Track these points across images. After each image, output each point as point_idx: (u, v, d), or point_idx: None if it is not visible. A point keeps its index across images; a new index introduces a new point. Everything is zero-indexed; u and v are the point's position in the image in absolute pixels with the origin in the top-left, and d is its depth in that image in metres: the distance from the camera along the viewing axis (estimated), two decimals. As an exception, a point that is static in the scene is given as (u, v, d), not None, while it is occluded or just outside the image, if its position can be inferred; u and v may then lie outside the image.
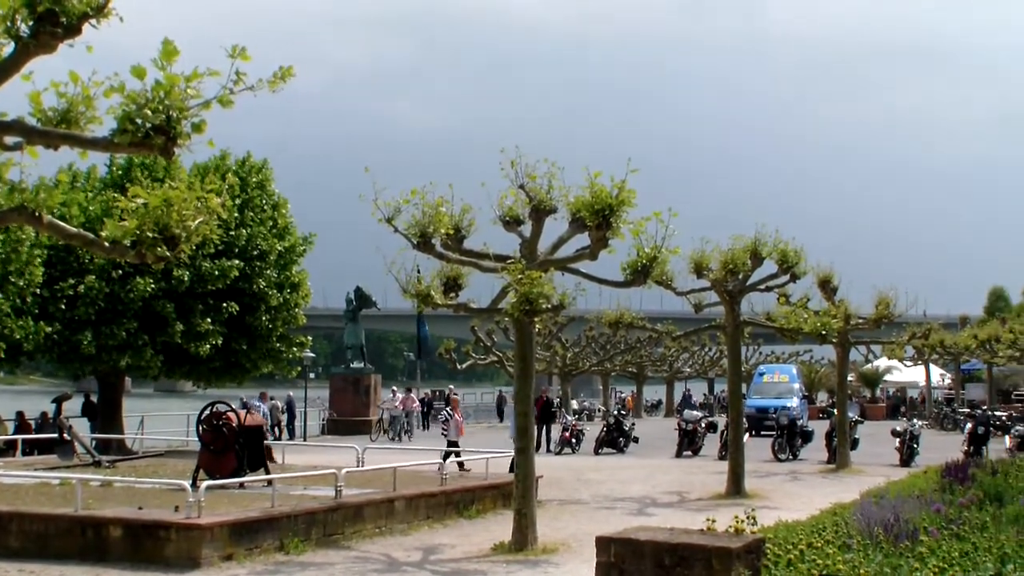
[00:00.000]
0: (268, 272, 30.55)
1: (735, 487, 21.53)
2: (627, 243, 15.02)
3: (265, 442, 19.44)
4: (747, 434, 26.29)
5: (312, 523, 14.85)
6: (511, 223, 15.80)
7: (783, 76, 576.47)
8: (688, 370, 69.17)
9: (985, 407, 40.73)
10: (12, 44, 7.46)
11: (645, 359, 60.71)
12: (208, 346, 29.05)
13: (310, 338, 36.23)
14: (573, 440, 33.01)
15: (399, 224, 15.40)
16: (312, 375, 44.74)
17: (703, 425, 32.56)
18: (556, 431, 34.61)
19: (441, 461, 19.44)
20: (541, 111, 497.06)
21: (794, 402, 40.61)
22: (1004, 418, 38.35)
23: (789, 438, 30.35)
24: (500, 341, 47.09)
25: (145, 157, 26.47)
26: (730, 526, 8.93)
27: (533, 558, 14.10)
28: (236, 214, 29.01)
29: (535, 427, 20.38)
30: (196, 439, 18.57)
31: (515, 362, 16.20)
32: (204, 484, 14.38)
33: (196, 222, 8.44)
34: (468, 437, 27.68)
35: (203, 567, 12.90)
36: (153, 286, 27.73)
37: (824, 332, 24.24)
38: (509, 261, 15.19)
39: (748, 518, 9.32)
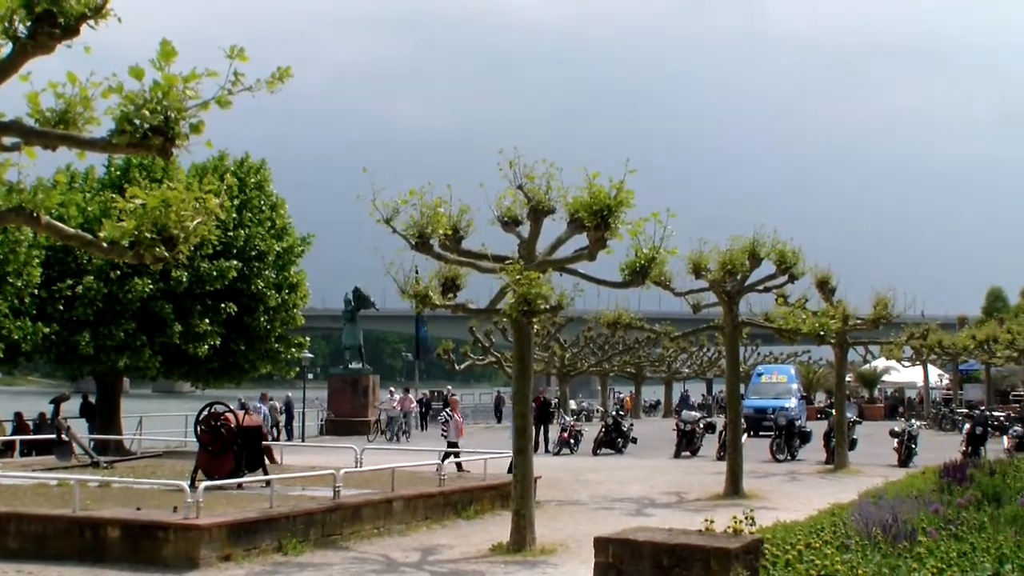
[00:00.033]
0: (266, 273, 30.55)
1: (733, 488, 21.54)
2: (625, 244, 15.07)
3: (266, 443, 19.46)
4: (745, 435, 26.32)
5: (310, 524, 14.85)
6: (509, 224, 15.81)
7: (783, 76, 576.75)
8: (686, 371, 69.18)
9: (983, 407, 40.76)
10: (10, 45, 7.45)
11: (643, 360, 60.70)
12: (206, 347, 29.05)
13: (308, 339, 36.22)
14: (571, 441, 33.01)
15: (397, 225, 15.41)
16: (310, 376, 44.72)
17: (701, 426, 32.56)
18: (554, 432, 34.62)
19: (439, 462, 19.43)
20: (541, 111, 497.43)
21: (792, 403, 40.63)
22: (1002, 418, 38.38)
23: (787, 438, 30.36)
24: (498, 342, 47.06)
25: (143, 158, 26.47)
26: (728, 527, 8.93)
27: (531, 559, 14.11)
28: (234, 215, 29.02)
29: (533, 428, 20.38)
30: (194, 440, 18.57)
31: (513, 363, 16.21)
32: (202, 485, 14.38)
33: (194, 223, 8.43)
34: (466, 438, 27.66)
35: (201, 568, 12.90)
36: (151, 287, 27.72)
37: (822, 332, 24.27)
38: (507, 262, 15.20)
39: (746, 519, 9.32)
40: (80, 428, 28.35)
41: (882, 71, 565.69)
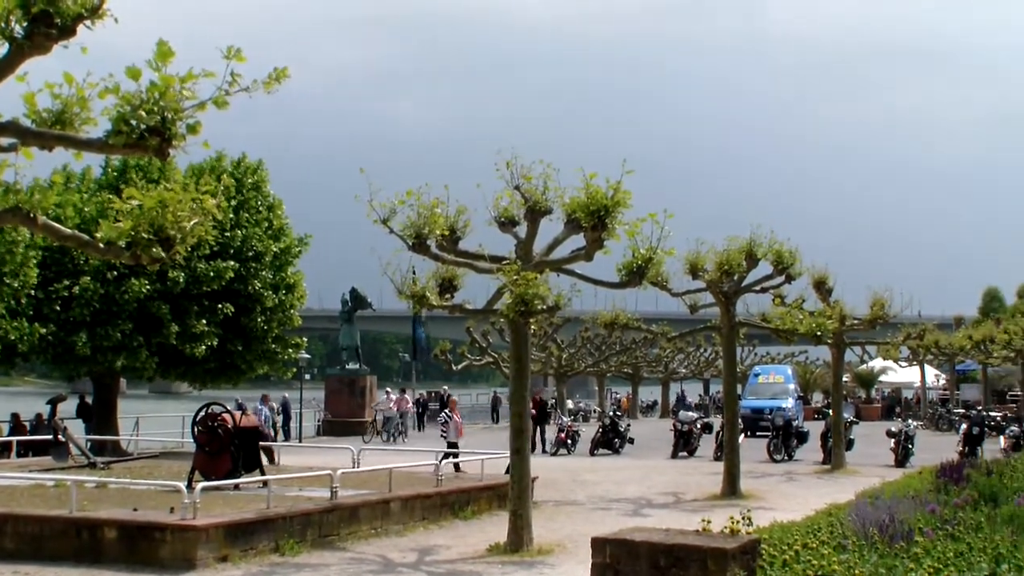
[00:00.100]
0: (263, 273, 30.53)
1: (730, 488, 21.54)
2: (623, 244, 15.08)
3: (266, 443, 19.45)
4: (742, 435, 26.32)
5: (307, 524, 14.84)
6: (507, 224, 15.81)
7: (783, 76, 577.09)
8: (684, 371, 69.19)
9: (980, 408, 40.77)
10: (6, 45, 7.45)
11: (641, 360, 60.71)
12: (203, 347, 29.04)
13: (305, 339, 36.19)
14: (568, 441, 33.00)
15: (395, 225, 15.41)
16: (307, 376, 44.62)
17: (699, 426, 32.56)
18: (551, 432, 34.61)
19: (437, 463, 19.43)
20: (541, 111, 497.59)
21: (789, 403, 40.68)
22: (999, 419, 38.41)
23: (784, 439, 30.38)
24: (496, 342, 47.07)
25: (140, 158, 26.44)
26: (725, 527, 8.93)
27: (529, 559, 14.11)
28: (231, 215, 29.01)
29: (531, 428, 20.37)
30: (191, 440, 18.55)
31: (510, 363, 16.20)
32: (199, 485, 14.37)
33: (191, 223, 8.43)
34: (464, 438, 27.65)
35: (198, 568, 12.89)
36: (148, 287, 27.70)
37: (819, 333, 24.28)
38: (505, 262, 15.20)
39: (743, 519, 9.32)
40: (77, 429, 28.32)
41: (882, 71, 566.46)
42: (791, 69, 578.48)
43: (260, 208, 31.13)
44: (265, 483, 15.87)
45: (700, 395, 73.01)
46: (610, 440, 32.90)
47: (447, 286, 16.22)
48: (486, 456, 20.49)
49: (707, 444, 31.67)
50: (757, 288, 23.81)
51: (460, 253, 15.84)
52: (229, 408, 18.60)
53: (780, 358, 71.30)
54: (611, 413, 37.70)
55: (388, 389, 43.53)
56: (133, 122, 7.70)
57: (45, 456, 23.46)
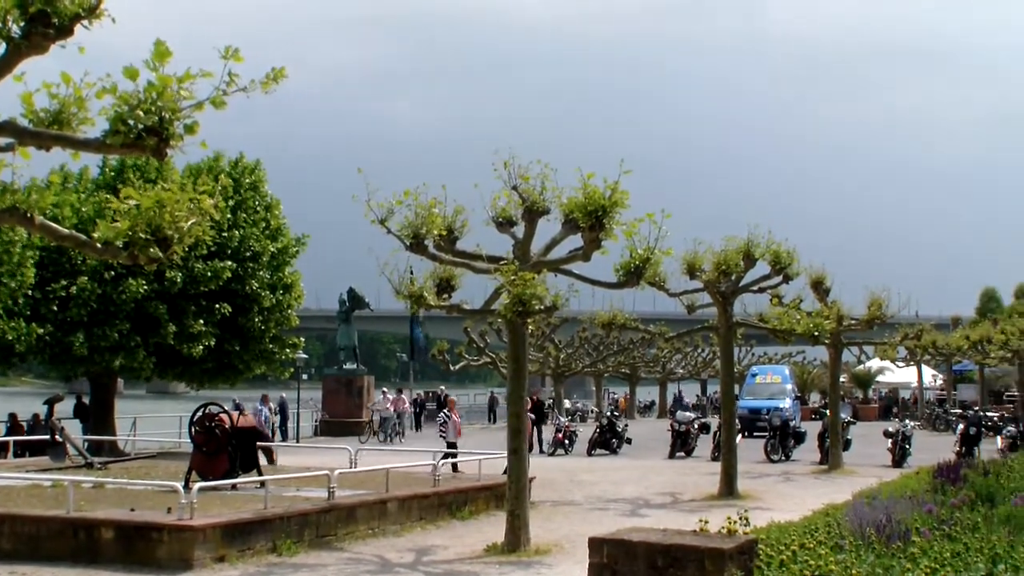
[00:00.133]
0: (261, 273, 30.53)
1: (728, 488, 21.55)
2: (620, 244, 15.08)
3: (266, 444, 19.43)
4: (740, 435, 26.32)
5: (305, 524, 14.84)
6: (504, 224, 15.82)
7: (783, 76, 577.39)
8: (681, 371, 69.24)
9: (977, 408, 40.80)
10: (4, 45, 7.45)
11: (638, 360, 60.74)
12: (201, 347, 29.02)
13: (303, 339, 36.17)
14: (566, 441, 33.01)
15: (392, 225, 15.41)
16: (305, 376, 44.65)
17: (696, 426, 32.57)
18: (549, 432, 34.62)
19: (434, 463, 19.43)
20: (541, 111, 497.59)
21: (787, 403, 40.67)
22: (996, 419, 38.42)
23: (782, 439, 30.39)
24: (493, 342, 47.07)
25: (138, 158, 26.43)
26: (723, 527, 8.94)
27: (526, 559, 14.11)
28: (229, 215, 28.99)
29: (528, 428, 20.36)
30: (188, 441, 18.55)
31: (508, 363, 16.22)
32: (197, 486, 14.37)
33: (189, 223, 8.42)
34: (462, 438, 27.65)
35: (195, 568, 12.89)
36: (146, 287, 27.69)
37: (817, 333, 24.29)
38: (502, 262, 15.20)
39: (741, 519, 9.33)
40: (74, 429, 28.29)
41: (882, 71, 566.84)
42: (791, 69, 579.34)
43: (258, 208, 31.12)
44: (262, 483, 15.87)
45: (697, 395, 73.04)
46: (607, 440, 32.91)
47: (445, 286, 16.23)
48: (483, 456, 20.49)
49: (704, 444, 31.70)
50: (755, 288, 23.83)
51: (458, 253, 15.84)
52: (226, 408, 18.59)
53: (777, 358, 71.33)
54: (608, 413, 37.71)
55: (384, 389, 43.53)
56: (131, 122, 7.70)
57: (42, 456, 23.44)
